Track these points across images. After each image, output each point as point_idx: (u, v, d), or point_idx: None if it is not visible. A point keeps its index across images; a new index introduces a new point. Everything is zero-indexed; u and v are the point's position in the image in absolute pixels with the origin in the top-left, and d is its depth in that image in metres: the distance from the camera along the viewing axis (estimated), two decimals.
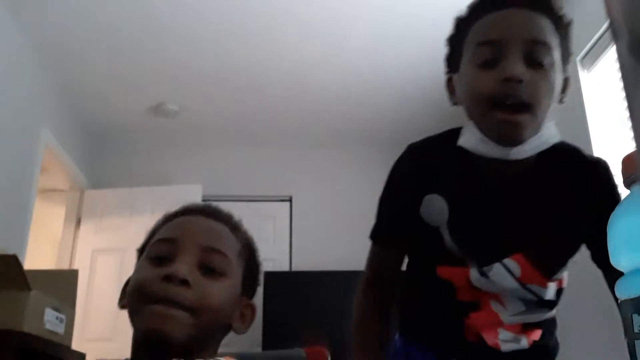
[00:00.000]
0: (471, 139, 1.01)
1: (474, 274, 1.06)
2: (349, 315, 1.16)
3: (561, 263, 1.07)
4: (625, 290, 0.50)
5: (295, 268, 4.20)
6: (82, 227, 4.34)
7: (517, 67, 0.93)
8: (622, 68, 0.29)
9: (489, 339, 1.08)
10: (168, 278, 0.82)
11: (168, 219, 0.97)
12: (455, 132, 1.08)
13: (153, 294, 0.82)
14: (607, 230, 0.53)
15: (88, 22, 3.21)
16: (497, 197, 1.04)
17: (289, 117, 4.44)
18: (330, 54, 3.59)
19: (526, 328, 1.10)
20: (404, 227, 1.13)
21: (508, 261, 1.04)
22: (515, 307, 1.08)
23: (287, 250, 4.48)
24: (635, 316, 0.48)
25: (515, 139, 0.95)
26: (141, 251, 0.95)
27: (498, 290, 1.06)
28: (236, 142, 4.79)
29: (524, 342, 1.09)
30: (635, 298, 0.49)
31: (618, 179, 1.03)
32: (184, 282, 0.82)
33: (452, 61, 1.07)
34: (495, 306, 1.08)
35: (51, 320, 1.99)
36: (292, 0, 3.12)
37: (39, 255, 4.42)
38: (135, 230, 4.20)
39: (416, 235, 1.12)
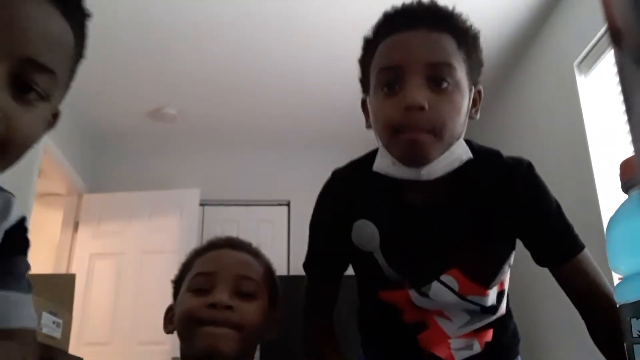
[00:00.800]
0: (383, 163, 1.00)
1: (413, 294, 1.06)
2: (339, 319, 1.18)
3: (496, 271, 1.06)
4: (623, 294, 0.50)
5: (293, 272, 4.19)
6: (80, 231, 4.33)
7: (418, 94, 0.90)
8: (621, 72, 0.29)
9: (441, 353, 1.09)
10: (213, 305, 0.99)
11: (198, 253, 1.13)
12: (375, 154, 1.06)
13: (202, 319, 0.98)
14: (605, 235, 0.53)
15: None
16: (423, 217, 1.03)
17: (287, 121, 4.44)
18: (328, 59, 3.60)
19: (477, 331, 1.11)
20: (333, 258, 1.13)
21: (445, 277, 1.04)
22: (461, 318, 1.09)
23: (285, 254, 4.47)
24: (634, 320, 0.48)
25: (420, 158, 0.92)
26: (177, 282, 1.12)
27: (440, 306, 1.07)
28: (234, 147, 4.79)
29: (477, 347, 1.10)
30: (634, 302, 0.49)
31: (547, 179, 1.02)
32: (228, 307, 0.99)
33: (364, 83, 1.05)
34: (440, 322, 1.09)
35: (48, 325, 1.98)
36: (289, 6, 3.13)
37: (36, 260, 4.38)
38: (133, 234, 4.26)
39: (352, 262, 1.12)
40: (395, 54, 0.95)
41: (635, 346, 0.48)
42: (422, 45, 0.94)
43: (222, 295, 1.00)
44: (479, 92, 1.01)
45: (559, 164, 3.00)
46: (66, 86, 0.81)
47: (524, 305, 3.07)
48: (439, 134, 0.91)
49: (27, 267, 0.86)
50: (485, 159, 1.01)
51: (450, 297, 1.05)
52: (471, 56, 0.98)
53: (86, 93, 3.91)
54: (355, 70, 1.07)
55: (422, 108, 0.89)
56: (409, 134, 0.91)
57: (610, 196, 2.58)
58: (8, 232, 0.83)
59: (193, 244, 3.17)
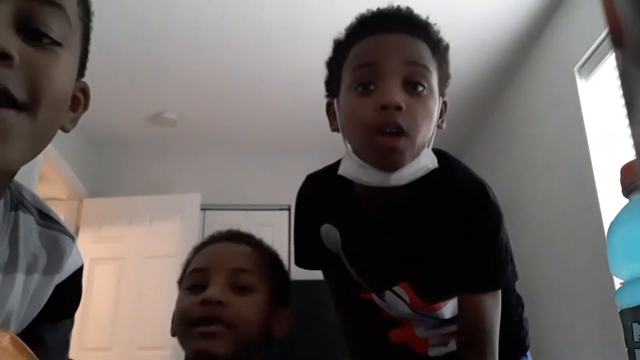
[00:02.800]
0: (350, 167, 0.97)
1: (376, 298, 1.08)
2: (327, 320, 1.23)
3: (443, 289, 1.04)
4: (624, 299, 0.50)
5: (293, 277, 4.18)
6: (81, 236, 4.33)
7: (395, 94, 0.89)
8: (622, 74, 0.29)
9: (417, 347, 1.12)
10: (205, 302, 0.96)
11: (198, 249, 1.11)
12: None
13: (195, 318, 0.95)
14: (606, 239, 0.53)
15: None
16: (378, 226, 1.02)
17: (288, 125, 4.44)
18: None
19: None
20: (315, 257, 1.15)
21: (397, 289, 1.05)
22: (429, 321, 1.10)
23: (286, 259, 4.47)
24: (635, 325, 0.48)
25: (394, 163, 0.90)
26: (179, 282, 1.09)
27: (399, 314, 1.08)
28: (235, 151, 4.80)
29: (452, 345, 1.10)
30: (635, 307, 0.48)
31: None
32: (219, 303, 0.95)
33: (332, 86, 1.03)
34: (414, 322, 1.12)
35: None
36: (289, 13, 3.13)
37: None
38: (133, 239, 4.26)
39: (331, 261, 1.12)
40: (372, 52, 0.94)
41: (636, 351, 0.48)
42: (400, 46, 0.94)
43: (213, 291, 0.97)
44: (444, 104, 1.00)
45: (559, 168, 3.00)
46: (82, 43, 0.68)
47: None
48: (413, 138, 0.90)
49: (71, 328, 0.77)
50: (442, 174, 0.97)
51: (404, 307, 1.06)
52: (442, 66, 0.98)
53: None
54: None
55: (399, 108, 0.88)
56: (385, 137, 0.89)
57: (611, 200, 2.58)
58: (60, 287, 0.73)
59: None
